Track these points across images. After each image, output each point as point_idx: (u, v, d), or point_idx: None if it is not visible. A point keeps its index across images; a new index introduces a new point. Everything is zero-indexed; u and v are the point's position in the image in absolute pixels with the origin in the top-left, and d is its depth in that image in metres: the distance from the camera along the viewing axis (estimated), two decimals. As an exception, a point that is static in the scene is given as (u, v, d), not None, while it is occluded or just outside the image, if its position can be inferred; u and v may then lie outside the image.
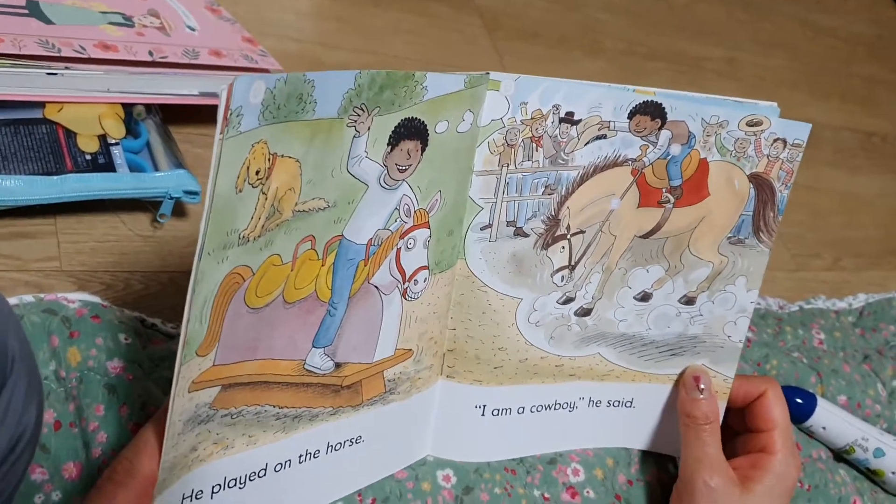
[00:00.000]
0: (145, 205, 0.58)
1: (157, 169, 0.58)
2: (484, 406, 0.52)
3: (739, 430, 0.56)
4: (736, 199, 0.51)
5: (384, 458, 0.49)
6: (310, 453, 0.45)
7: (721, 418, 0.54)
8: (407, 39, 0.90)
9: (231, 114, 0.32)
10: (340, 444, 0.46)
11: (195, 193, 0.57)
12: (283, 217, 0.38)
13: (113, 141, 0.57)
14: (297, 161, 0.37)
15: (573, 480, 0.53)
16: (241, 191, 0.35)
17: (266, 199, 0.36)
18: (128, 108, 0.59)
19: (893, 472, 0.66)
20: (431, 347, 0.49)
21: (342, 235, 0.41)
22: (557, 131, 0.46)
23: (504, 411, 0.52)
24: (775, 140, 0.50)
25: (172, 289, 0.56)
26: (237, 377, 0.40)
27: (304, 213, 0.39)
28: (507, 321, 0.50)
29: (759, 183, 0.51)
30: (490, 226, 0.47)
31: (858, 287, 0.89)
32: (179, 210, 0.60)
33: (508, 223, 0.48)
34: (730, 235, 0.52)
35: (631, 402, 0.55)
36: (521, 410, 0.52)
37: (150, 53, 0.58)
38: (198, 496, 0.40)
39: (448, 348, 0.50)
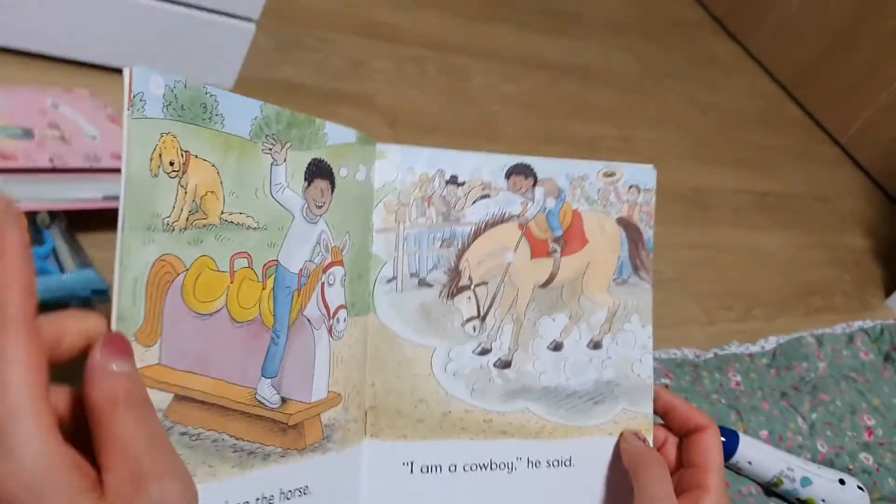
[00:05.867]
0: (54, 309, 0.58)
1: (63, 272, 0.58)
2: (412, 462, 0.51)
3: (676, 465, 0.57)
4: (610, 242, 0.56)
5: None
6: (265, 498, 0.44)
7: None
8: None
9: (135, 97, 0.37)
10: (291, 492, 0.46)
11: (103, 292, 0.57)
12: (210, 220, 0.41)
13: (17, 248, 0.57)
14: (214, 167, 0.41)
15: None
16: (156, 175, 0.38)
17: (185, 192, 0.39)
18: (31, 215, 0.60)
19: (823, 500, 0.67)
20: (356, 397, 0.49)
21: (277, 261, 0.44)
22: (445, 192, 0.52)
23: (434, 468, 0.52)
24: (630, 187, 0.56)
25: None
26: (189, 390, 0.40)
27: (232, 224, 0.42)
28: (423, 371, 0.51)
29: (627, 225, 0.56)
30: (395, 278, 0.51)
31: (770, 334, 0.93)
32: (89, 312, 0.60)
33: (412, 275, 0.51)
34: (615, 277, 0.56)
35: (570, 461, 0.55)
36: (452, 468, 0.52)
37: (51, 160, 0.59)
38: None
39: (370, 405, 0.50)
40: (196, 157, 0.40)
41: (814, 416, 0.76)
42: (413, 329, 0.51)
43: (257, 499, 0.44)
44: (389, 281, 0.51)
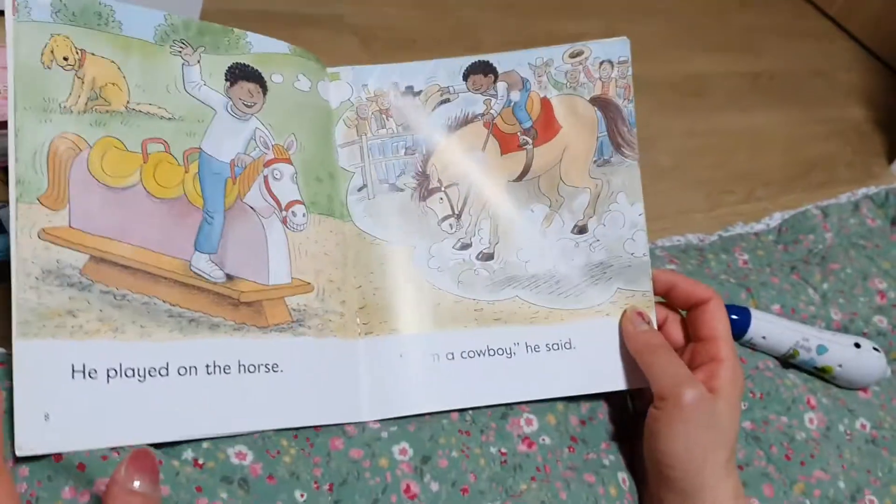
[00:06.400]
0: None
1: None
2: (406, 353, 0.51)
3: (683, 341, 0.57)
4: (586, 124, 0.55)
5: (309, 402, 0.49)
6: (218, 367, 0.46)
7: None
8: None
9: (19, 4, 0.41)
10: (255, 367, 0.47)
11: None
12: (114, 108, 0.45)
13: (1, 203, 0.56)
14: (114, 63, 0.44)
15: (527, 431, 0.53)
16: (49, 67, 0.42)
17: (83, 83, 0.43)
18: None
19: (840, 365, 0.67)
20: (335, 293, 0.51)
21: (200, 148, 0.48)
22: (402, 102, 0.53)
23: (433, 356, 0.52)
24: (602, 63, 0.55)
25: None
26: (107, 253, 0.44)
27: (141, 113, 0.45)
28: (407, 269, 0.52)
29: (602, 104, 0.55)
30: (365, 186, 0.53)
31: (775, 212, 0.91)
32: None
33: (381, 181, 0.53)
34: (595, 158, 0.56)
35: (569, 343, 0.55)
36: (450, 356, 0.52)
37: None
38: (91, 374, 0.42)
39: (359, 306, 0.51)
40: (93, 54, 0.43)
41: (825, 286, 0.75)
42: (390, 231, 0.52)
43: (207, 365, 0.46)
44: (360, 189, 0.52)
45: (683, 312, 0.58)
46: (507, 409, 0.53)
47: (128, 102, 0.45)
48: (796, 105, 1.24)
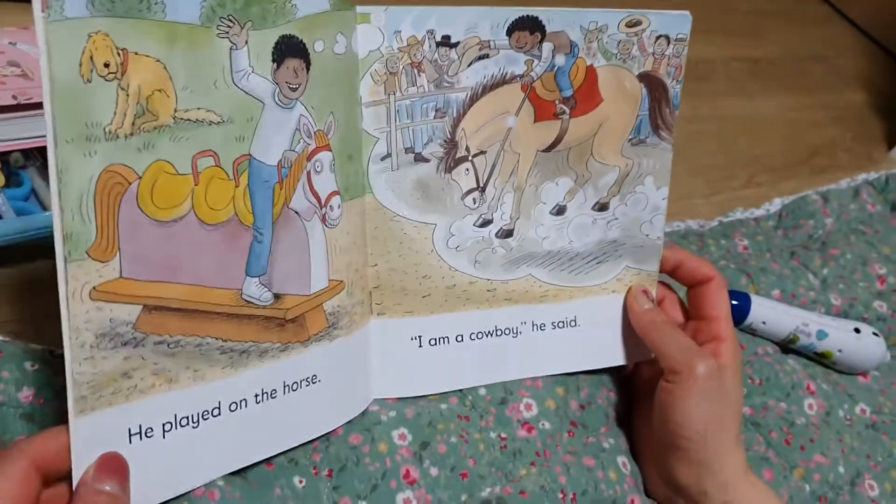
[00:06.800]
0: (42, 249, 0.57)
1: (46, 210, 0.57)
2: (420, 337, 0.51)
3: (682, 320, 0.57)
4: (629, 100, 0.52)
5: (340, 401, 0.48)
6: (266, 393, 0.44)
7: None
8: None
9: None
10: (297, 383, 0.45)
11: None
12: (162, 121, 0.37)
13: (-7, 191, 0.55)
14: (160, 62, 0.37)
15: (527, 416, 0.53)
16: (89, 81, 0.34)
17: (128, 95, 0.36)
18: (4, 157, 0.58)
19: (840, 350, 0.67)
20: (359, 281, 0.48)
21: (250, 155, 0.41)
22: (437, 55, 0.47)
23: (442, 340, 0.52)
24: (658, 37, 0.51)
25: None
26: (161, 299, 0.39)
27: (190, 122, 0.38)
28: (425, 248, 0.50)
29: (650, 81, 0.52)
30: (389, 155, 0.48)
31: (776, 197, 0.91)
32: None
33: (407, 150, 0.48)
34: (630, 137, 0.52)
35: (574, 321, 0.55)
36: (459, 338, 0.52)
37: (14, 97, 0.57)
38: (148, 434, 0.39)
39: (374, 285, 0.49)
40: (136, 53, 0.36)
41: (825, 271, 0.75)
42: (412, 207, 0.49)
43: (256, 395, 0.44)
44: (384, 159, 0.48)
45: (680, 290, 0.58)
46: (507, 395, 0.53)
47: (175, 111, 0.38)
48: (796, 90, 1.24)
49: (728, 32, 1.30)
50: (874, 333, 0.67)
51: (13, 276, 0.56)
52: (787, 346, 0.68)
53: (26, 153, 0.59)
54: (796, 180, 1.01)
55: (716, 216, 0.86)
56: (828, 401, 0.64)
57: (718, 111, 1.12)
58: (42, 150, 0.60)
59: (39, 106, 0.59)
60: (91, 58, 0.34)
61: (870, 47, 1.48)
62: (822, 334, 0.67)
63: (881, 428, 0.64)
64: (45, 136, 0.59)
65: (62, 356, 0.49)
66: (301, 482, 0.46)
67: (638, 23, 0.50)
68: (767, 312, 0.67)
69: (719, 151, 1.03)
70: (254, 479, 0.45)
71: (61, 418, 0.44)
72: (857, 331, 0.67)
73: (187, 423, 0.41)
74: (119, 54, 0.35)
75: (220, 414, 0.42)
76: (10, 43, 0.66)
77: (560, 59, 0.49)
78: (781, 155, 1.06)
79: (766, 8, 1.46)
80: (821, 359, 0.68)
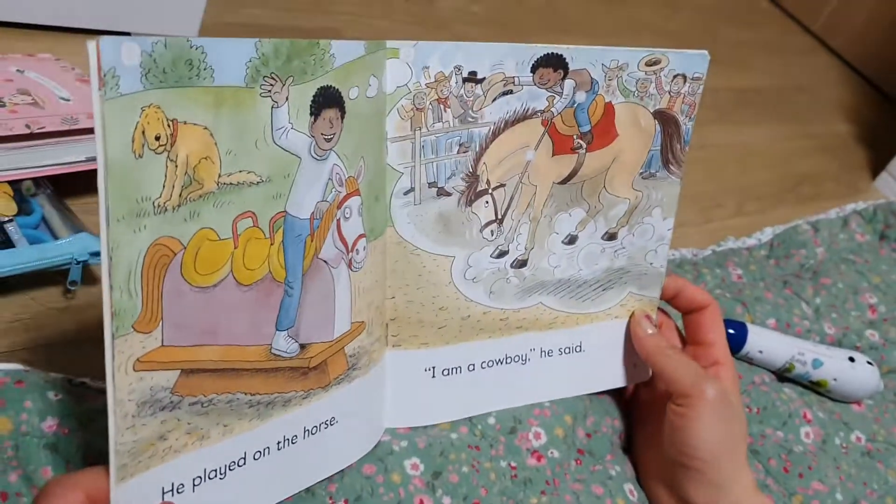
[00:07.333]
0: (53, 277, 0.57)
1: (56, 239, 0.57)
2: (434, 367, 0.52)
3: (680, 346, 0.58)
4: (643, 136, 0.53)
5: (358, 437, 0.49)
6: (287, 439, 0.44)
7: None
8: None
9: (105, 74, 0.32)
10: (317, 427, 0.46)
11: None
12: (206, 189, 0.37)
13: (6, 219, 0.56)
14: (206, 129, 0.36)
15: (536, 444, 0.54)
16: (141, 156, 0.34)
17: (176, 167, 0.36)
18: (16, 185, 0.58)
19: (835, 379, 0.69)
20: (378, 317, 0.49)
21: (286, 211, 0.41)
22: (462, 91, 0.47)
23: (454, 370, 0.52)
24: (675, 76, 0.52)
25: (96, 352, 0.54)
26: (198, 362, 0.39)
27: (232, 185, 0.38)
28: (443, 280, 0.50)
29: (665, 118, 0.53)
30: (412, 189, 0.48)
31: (765, 226, 0.93)
32: (90, 276, 0.59)
33: (430, 185, 0.48)
34: (641, 171, 0.54)
35: (580, 347, 0.56)
36: (471, 367, 0.53)
37: (27, 126, 0.57)
38: (179, 490, 0.40)
39: (390, 318, 0.50)
40: (185, 123, 0.35)
41: (818, 300, 0.77)
42: (432, 240, 0.49)
43: (278, 442, 0.44)
44: (407, 193, 0.48)
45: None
46: (516, 423, 0.54)
47: (219, 177, 0.37)
48: (782, 120, 1.27)
49: (714, 62, 1.32)
50: (868, 362, 0.68)
51: (24, 304, 0.56)
52: (783, 374, 0.70)
53: (37, 181, 0.60)
54: (784, 209, 1.03)
55: (707, 244, 0.88)
56: (824, 429, 0.66)
57: (705, 140, 1.14)
58: (53, 178, 0.61)
59: (51, 135, 0.60)
60: (143, 132, 0.34)
61: (853, 78, 1.52)
62: (817, 363, 0.68)
63: (876, 456, 0.66)
64: (56, 164, 0.60)
65: (82, 384, 0.49)
66: (317, 512, 0.46)
67: (657, 62, 0.52)
68: (764, 342, 0.68)
69: (707, 180, 1.05)
70: (271, 509, 0.45)
71: (85, 449, 0.44)
72: (851, 360, 0.68)
73: (215, 476, 0.41)
74: (169, 125, 0.35)
75: (245, 464, 0.43)
76: (17, 70, 0.66)
77: (580, 96, 0.50)
78: (768, 184, 1.09)
79: (752, 39, 1.49)
80: (816, 387, 0.70)
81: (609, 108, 0.52)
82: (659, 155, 0.54)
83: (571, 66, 0.49)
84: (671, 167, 0.54)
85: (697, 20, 1.43)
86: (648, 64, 0.51)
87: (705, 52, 0.52)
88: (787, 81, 1.39)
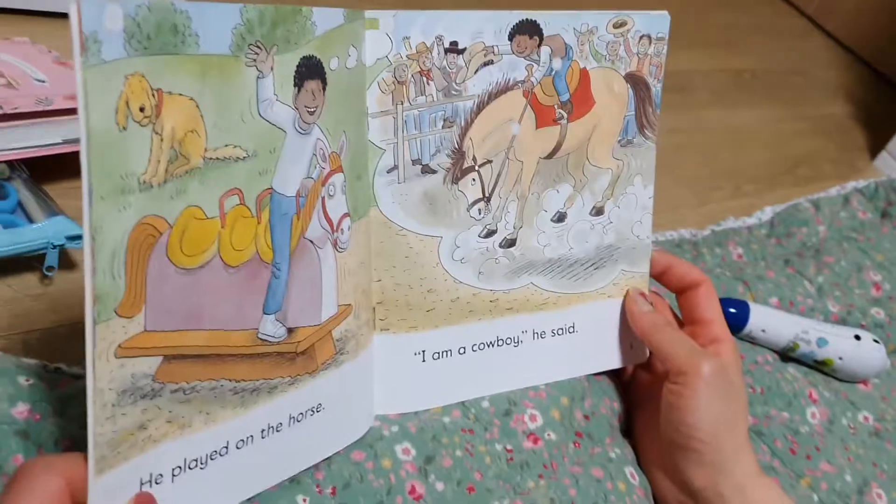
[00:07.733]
0: (29, 262, 0.55)
1: (32, 223, 0.55)
2: (423, 351, 0.50)
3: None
4: (617, 102, 0.52)
5: (346, 424, 0.47)
6: (272, 427, 0.42)
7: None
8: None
9: (86, 39, 0.30)
10: (302, 414, 0.44)
11: (79, 238, 0.54)
12: (192, 164, 0.35)
13: (-23, 204, 0.54)
14: (192, 100, 0.35)
15: (532, 427, 0.52)
16: (125, 128, 0.32)
17: (162, 140, 0.34)
18: (-11, 169, 0.56)
19: (840, 358, 0.67)
20: (365, 301, 0.47)
21: (272, 188, 0.39)
22: (445, 62, 0.46)
23: (444, 353, 0.50)
24: (641, 37, 0.52)
25: (73, 339, 0.52)
26: (182, 347, 0.37)
27: (218, 161, 0.36)
28: (430, 262, 0.49)
29: (635, 81, 0.52)
30: (396, 167, 0.46)
31: (764, 206, 0.92)
32: (67, 262, 0.57)
33: (414, 162, 0.47)
34: (619, 139, 0.53)
35: (573, 327, 0.54)
36: (462, 351, 0.51)
37: (0, 107, 0.55)
38: (157, 480, 0.37)
39: (377, 301, 0.48)
40: (170, 93, 0.34)
41: (820, 278, 0.75)
42: (418, 221, 0.48)
43: (262, 430, 0.42)
44: (390, 171, 0.46)
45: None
46: (511, 406, 0.52)
47: (205, 151, 0.36)
48: (778, 102, 1.25)
49: (709, 45, 1.31)
50: (875, 340, 0.67)
51: (-2, 291, 0.54)
52: (787, 354, 0.68)
53: (12, 165, 0.58)
54: (781, 191, 1.01)
55: (706, 226, 0.86)
56: (830, 409, 0.64)
57: (701, 123, 1.12)
58: (28, 162, 0.59)
59: (25, 116, 0.58)
60: (127, 102, 0.32)
61: (848, 59, 1.50)
62: (822, 342, 0.66)
63: (885, 436, 0.64)
64: (31, 147, 0.58)
65: (57, 370, 0.47)
66: (305, 500, 0.44)
67: (624, 23, 0.51)
68: (766, 320, 0.66)
69: (703, 163, 1.03)
70: (256, 497, 0.43)
71: (59, 435, 0.42)
72: (857, 338, 0.66)
73: (196, 466, 0.39)
74: (154, 95, 0.33)
75: (227, 453, 0.41)
76: (-8, 54, 0.64)
77: (557, 63, 0.50)
78: (765, 166, 1.07)
79: (744, 22, 1.48)
80: (821, 366, 0.68)
81: (584, 74, 0.51)
82: (634, 120, 0.53)
83: (546, 32, 0.49)
84: (646, 132, 0.54)
85: (690, 2, 1.42)
86: (616, 26, 0.51)
87: (665, 12, 0.52)
88: (783, 64, 1.38)
